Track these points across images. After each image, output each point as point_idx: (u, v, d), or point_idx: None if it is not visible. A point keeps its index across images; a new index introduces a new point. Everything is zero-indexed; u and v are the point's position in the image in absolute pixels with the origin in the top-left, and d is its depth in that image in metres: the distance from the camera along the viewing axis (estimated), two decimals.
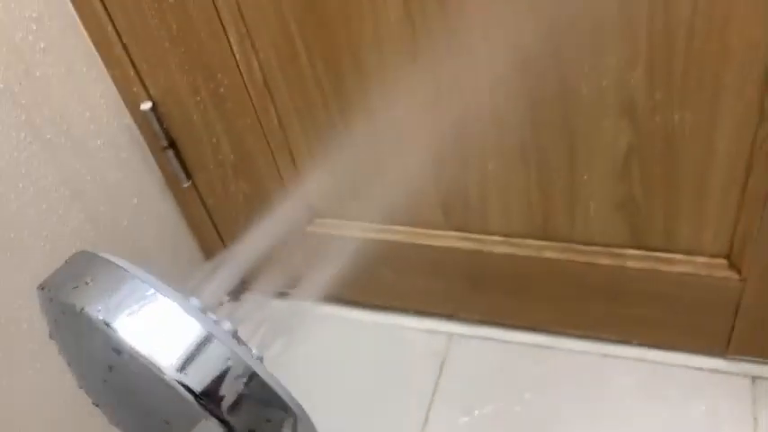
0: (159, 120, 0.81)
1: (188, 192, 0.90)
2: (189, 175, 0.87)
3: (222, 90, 0.75)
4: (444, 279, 0.88)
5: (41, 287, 0.43)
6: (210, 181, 0.87)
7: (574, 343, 0.87)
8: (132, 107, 0.81)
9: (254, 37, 0.70)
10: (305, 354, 0.94)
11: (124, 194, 0.84)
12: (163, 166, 0.88)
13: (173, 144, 0.84)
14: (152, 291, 0.40)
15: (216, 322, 0.41)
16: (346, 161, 0.79)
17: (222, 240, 0.96)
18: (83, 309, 0.39)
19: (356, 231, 0.87)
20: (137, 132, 0.84)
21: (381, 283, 0.92)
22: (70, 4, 0.73)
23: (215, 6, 0.68)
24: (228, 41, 0.70)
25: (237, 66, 0.72)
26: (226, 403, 0.39)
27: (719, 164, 0.64)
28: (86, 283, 0.41)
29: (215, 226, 0.94)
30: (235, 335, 0.42)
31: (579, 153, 0.68)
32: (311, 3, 0.65)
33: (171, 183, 0.90)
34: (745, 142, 0.61)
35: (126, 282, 0.40)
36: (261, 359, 0.42)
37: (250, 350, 0.42)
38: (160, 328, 0.39)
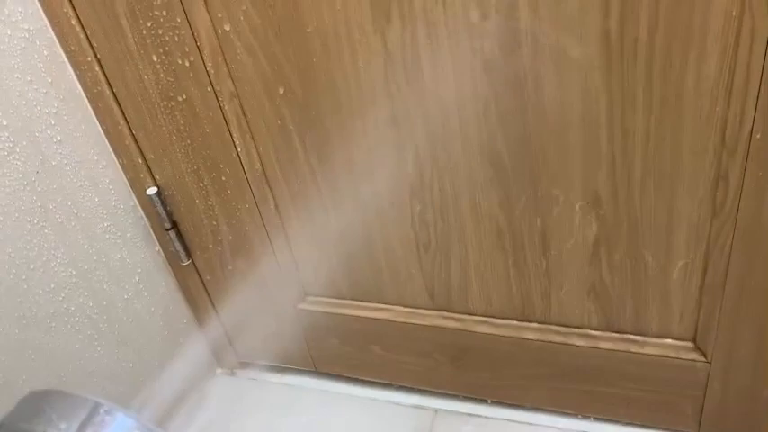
0: (163, 203, 0.86)
1: (187, 269, 0.94)
2: (189, 254, 0.92)
3: (224, 178, 0.81)
4: (430, 356, 0.92)
5: None
6: (209, 259, 0.92)
7: (554, 419, 0.90)
8: (138, 192, 0.86)
9: (254, 132, 0.76)
10: (291, 427, 0.97)
11: (127, 272, 0.89)
12: (164, 246, 0.92)
13: (175, 225, 0.89)
14: (104, 409, 0.46)
15: None
16: (338, 246, 0.84)
17: (218, 314, 1.00)
18: (45, 431, 0.45)
19: (346, 309, 0.91)
20: (141, 214, 0.89)
21: (369, 359, 0.96)
22: (86, 101, 0.79)
23: (220, 106, 0.74)
24: (231, 136, 0.76)
25: (239, 157, 0.78)
26: None
27: (679, 254, 0.69)
28: (44, 411, 0.47)
29: (211, 301, 0.99)
30: None
31: (552, 242, 0.73)
32: (307, 104, 0.71)
33: (171, 260, 0.95)
34: (702, 236, 0.67)
35: (80, 404, 0.47)
36: None
37: None
38: None
